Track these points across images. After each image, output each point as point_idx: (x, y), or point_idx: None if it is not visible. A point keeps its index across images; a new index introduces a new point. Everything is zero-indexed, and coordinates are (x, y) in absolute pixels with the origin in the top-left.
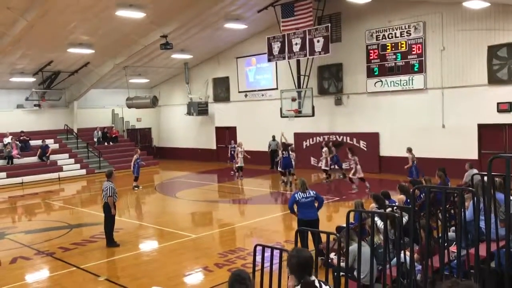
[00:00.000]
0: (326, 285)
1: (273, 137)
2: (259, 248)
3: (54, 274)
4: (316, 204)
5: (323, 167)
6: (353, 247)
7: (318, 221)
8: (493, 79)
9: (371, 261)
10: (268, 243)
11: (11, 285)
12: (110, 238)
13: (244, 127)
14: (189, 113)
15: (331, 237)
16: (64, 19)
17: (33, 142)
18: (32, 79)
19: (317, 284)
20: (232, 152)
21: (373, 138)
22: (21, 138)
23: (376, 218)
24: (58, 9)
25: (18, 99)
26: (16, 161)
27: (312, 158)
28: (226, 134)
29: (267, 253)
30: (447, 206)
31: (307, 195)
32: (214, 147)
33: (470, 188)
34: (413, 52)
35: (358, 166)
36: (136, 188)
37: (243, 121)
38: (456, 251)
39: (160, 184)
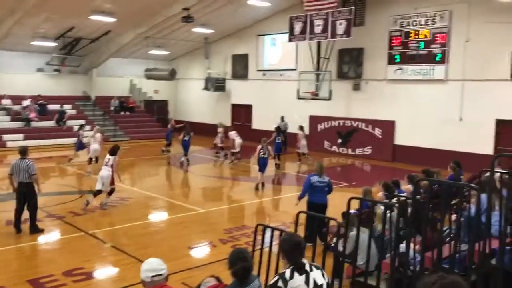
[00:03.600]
0: (317, 268)
1: (282, 118)
2: (261, 228)
3: (63, 238)
4: (326, 190)
5: (301, 151)
6: (353, 233)
7: (326, 206)
8: None
9: (368, 248)
10: (275, 223)
11: (20, 245)
12: (35, 222)
13: (260, 106)
14: (206, 88)
15: (332, 222)
16: None
17: (51, 107)
18: (53, 44)
19: (307, 267)
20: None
21: (388, 126)
22: (39, 102)
23: (382, 207)
24: None
25: (39, 63)
26: (33, 124)
27: (326, 142)
28: (242, 112)
29: (269, 233)
30: (455, 201)
31: (322, 180)
32: (229, 124)
33: (472, 185)
34: (437, 42)
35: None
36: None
37: (259, 100)
38: (463, 246)
39: (173, 157)
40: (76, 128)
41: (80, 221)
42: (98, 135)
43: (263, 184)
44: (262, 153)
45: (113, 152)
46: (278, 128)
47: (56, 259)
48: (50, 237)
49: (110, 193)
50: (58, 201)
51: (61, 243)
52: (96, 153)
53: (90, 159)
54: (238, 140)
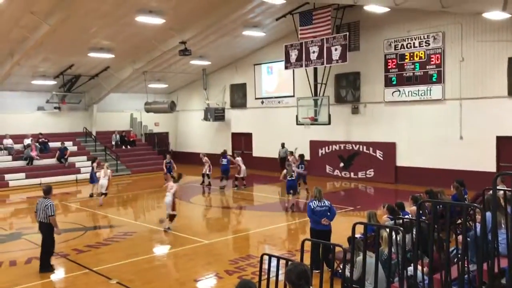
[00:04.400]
0: None
1: (283, 144)
2: (266, 257)
3: (68, 276)
4: (328, 214)
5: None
6: (360, 258)
7: (330, 232)
8: None
9: (376, 273)
10: (280, 251)
11: (25, 285)
12: (47, 261)
13: (259, 133)
14: (206, 118)
15: (337, 248)
16: (86, 24)
17: (52, 144)
18: (53, 82)
19: None
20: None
21: (389, 148)
22: (40, 140)
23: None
24: (80, 14)
25: (39, 101)
26: (35, 162)
27: (327, 166)
28: (242, 140)
29: (274, 262)
30: (460, 220)
31: (322, 204)
32: (230, 153)
33: (475, 205)
34: (432, 62)
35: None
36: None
37: (259, 128)
38: (471, 266)
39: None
40: (77, 164)
41: (85, 258)
42: (108, 171)
43: (293, 205)
44: (289, 176)
45: (177, 180)
46: (302, 156)
47: None
48: (56, 276)
49: (171, 218)
50: (61, 239)
51: (67, 282)
52: (103, 188)
53: (101, 193)
54: (243, 167)
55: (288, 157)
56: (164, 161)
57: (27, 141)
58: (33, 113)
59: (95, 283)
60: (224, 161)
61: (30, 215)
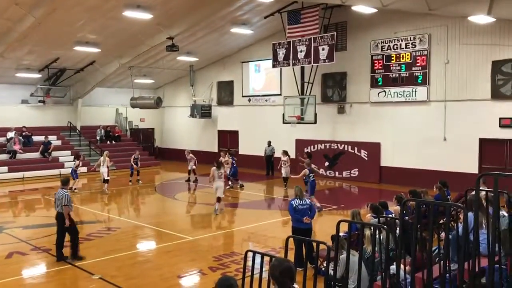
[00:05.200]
0: None
1: (269, 142)
2: (251, 254)
3: (49, 271)
4: (309, 212)
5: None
6: (344, 256)
7: (311, 230)
8: (497, 94)
9: (359, 271)
10: (264, 248)
11: (5, 280)
12: (60, 251)
13: (246, 131)
14: (192, 115)
15: (321, 246)
16: (72, 17)
17: (36, 138)
18: (37, 75)
19: None
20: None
21: (374, 148)
22: (23, 133)
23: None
24: (66, 7)
25: (23, 94)
26: (18, 156)
27: (312, 165)
28: (228, 138)
29: (259, 259)
30: (443, 220)
31: (303, 203)
32: (216, 150)
33: (458, 204)
34: (418, 64)
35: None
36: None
37: (245, 126)
38: (452, 265)
39: (160, 185)
40: (61, 159)
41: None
42: (107, 159)
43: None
44: (311, 176)
45: (220, 166)
46: (308, 153)
47: None
48: (37, 270)
49: (219, 200)
50: (44, 233)
51: (48, 277)
52: (104, 175)
53: (104, 179)
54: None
55: (282, 157)
56: (133, 156)
57: (10, 135)
58: (17, 106)
59: (77, 278)
60: (233, 162)
61: (11, 209)
